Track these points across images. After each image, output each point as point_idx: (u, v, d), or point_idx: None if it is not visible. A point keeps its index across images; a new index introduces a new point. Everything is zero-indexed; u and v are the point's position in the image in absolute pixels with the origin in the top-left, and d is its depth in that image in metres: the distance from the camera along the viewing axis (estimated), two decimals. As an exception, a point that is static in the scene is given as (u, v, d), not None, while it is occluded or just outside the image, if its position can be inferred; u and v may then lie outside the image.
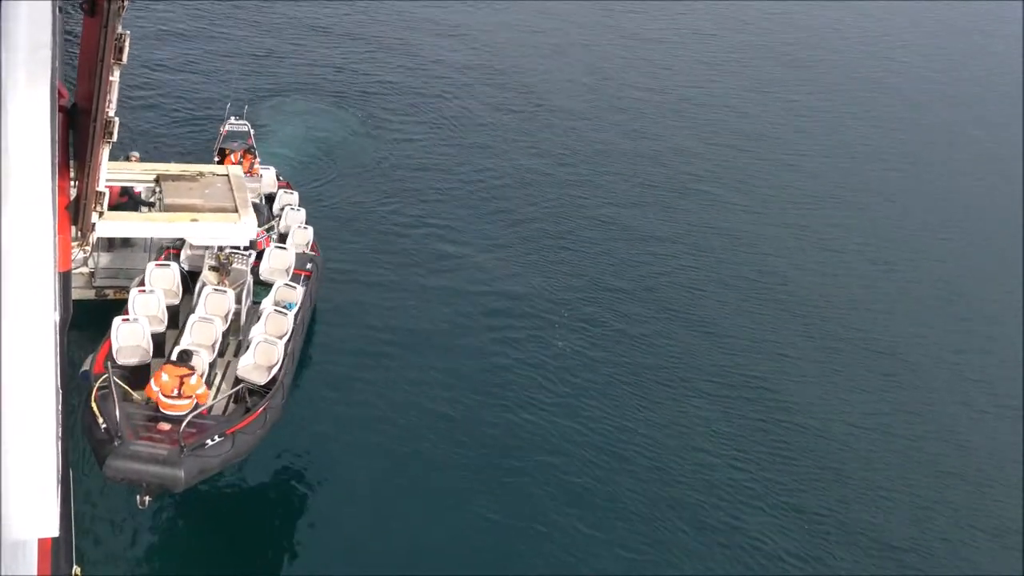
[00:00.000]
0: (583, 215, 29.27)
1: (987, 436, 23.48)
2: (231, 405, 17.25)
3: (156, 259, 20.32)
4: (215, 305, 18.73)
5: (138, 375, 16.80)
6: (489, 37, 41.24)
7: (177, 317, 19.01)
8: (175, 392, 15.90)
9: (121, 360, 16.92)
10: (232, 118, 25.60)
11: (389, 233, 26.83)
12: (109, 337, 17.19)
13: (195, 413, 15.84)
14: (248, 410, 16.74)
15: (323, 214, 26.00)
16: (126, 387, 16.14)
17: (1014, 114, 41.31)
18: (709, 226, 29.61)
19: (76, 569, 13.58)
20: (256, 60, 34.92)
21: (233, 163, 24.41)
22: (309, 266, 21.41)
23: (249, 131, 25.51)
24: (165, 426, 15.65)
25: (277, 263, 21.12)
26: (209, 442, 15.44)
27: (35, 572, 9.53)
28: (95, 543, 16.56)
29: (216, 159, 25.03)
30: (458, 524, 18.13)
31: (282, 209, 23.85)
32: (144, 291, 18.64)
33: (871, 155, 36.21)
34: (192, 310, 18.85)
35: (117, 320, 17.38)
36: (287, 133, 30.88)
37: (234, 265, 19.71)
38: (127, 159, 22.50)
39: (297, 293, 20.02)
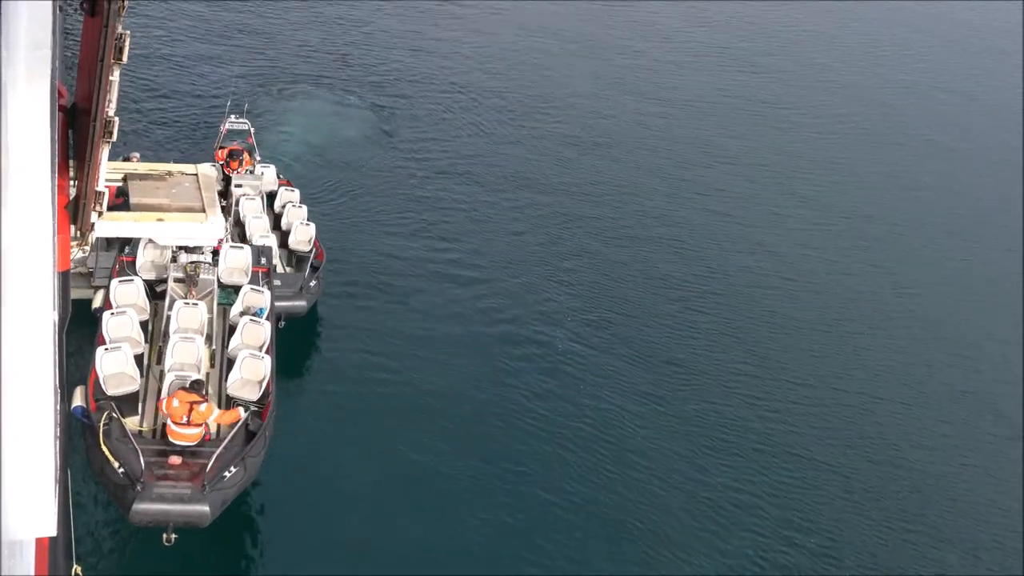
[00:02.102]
0: (591, 222, 29.02)
1: (989, 443, 23.48)
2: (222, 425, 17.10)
3: (112, 270, 19.63)
4: (188, 319, 18.25)
5: (127, 403, 16.57)
6: (505, 36, 41.16)
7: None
8: (184, 419, 15.88)
9: (110, 391, 16.54)
10: (232, 116, 25.60)
11: (392, 232, 26.80)
12: (94, 367, 16.74)
13: (217, 452, 15.76)
14: (252, 432, 16.67)
15: (325, 212, 25.99)
16: (123, 419, 16.03)
17: (1014, 116, 41.32)
18: (718, 238, 29.38)
19: (77, 568, 13.57)
20: (258, 58, 34.92)
21: (220, 160, 24.42)
22: (263, 260, 20.93)
23: (249, 129, 25.53)
24: (176, 459, 15.69)
25: (235, 263, 20.51)
26: (227, 474, 15.64)
27: (33, 572, 9.51)
28: (96, 542, 16.57)
29: (216, 158, 25.07)
30: (460, 528, 18.11)
31: (283, 206, 23.88)
32: (115, 312, 18.00)
33: (887, 175, 36.10)
34: (164, 326, 18.48)
35: (100, 350, 16.92)
36: (290, 130, 30.89)
37: (201, 275, 19.14)
38: (127, 159, 22.49)
39: (265, 297, 19.63)
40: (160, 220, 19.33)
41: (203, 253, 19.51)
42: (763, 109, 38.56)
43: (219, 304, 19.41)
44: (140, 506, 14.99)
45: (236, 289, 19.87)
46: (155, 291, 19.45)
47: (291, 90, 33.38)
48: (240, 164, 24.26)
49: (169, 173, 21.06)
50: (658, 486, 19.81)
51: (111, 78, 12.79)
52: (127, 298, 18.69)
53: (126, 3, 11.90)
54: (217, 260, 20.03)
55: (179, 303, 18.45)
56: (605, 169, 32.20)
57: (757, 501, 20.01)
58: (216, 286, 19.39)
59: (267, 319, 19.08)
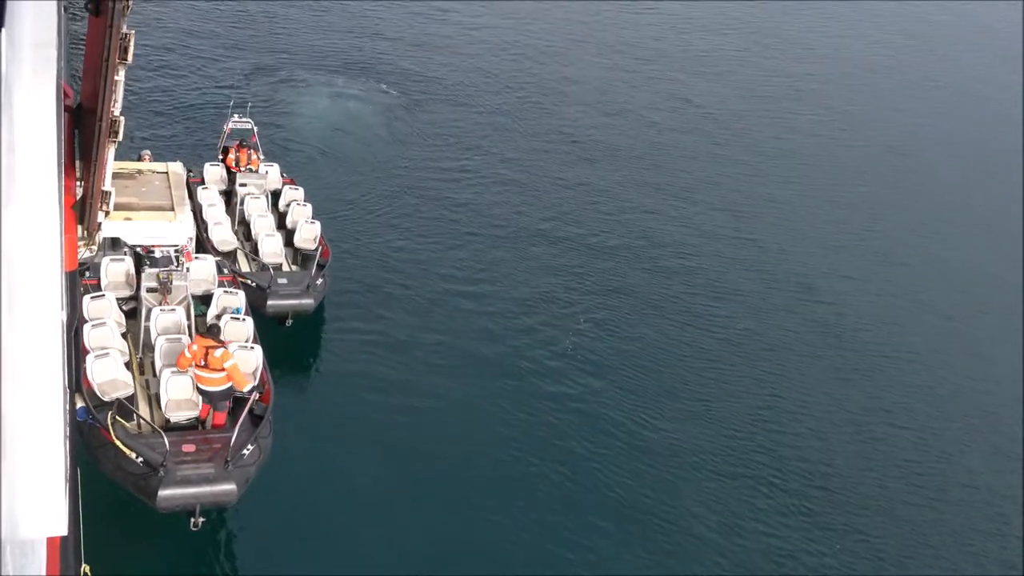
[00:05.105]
0: (605, 228, 28.73)
1: (989, 440, 23.43)
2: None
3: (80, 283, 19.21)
4: (166, 325, 18.21)
5: (123, 408, 16.51)
6: (521, 35, 41.04)
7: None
8: (202, 363, 16.43)
9: (106, 397, 16.50)
10: (235, 116, 25.60)
11: (399, 230, 26.75)
12: (85, 376, 16.58)
13: (236, 430, 16.06)
14: (258, 416, 16.86)
15: (330, 210, 25.93)
16: (124, 421, 16.06)
17: (1014, 117, 41.20)
18: (730, 236, 29.26)
19: (85, 568, 13.58)
20: (262, 56, 34.90)
21: (233, 157, 24.48)
22: (225, 270, 20.91)
23: (252, 128, 25.52)
24: (190, 447, 15.83)
25: (201, 274, 20.33)
26: (245, 452, 15.83)
27: (44, 571, 9.51)
28: (104, 541, 16.55)
29: (220, 157, 25.09)
30: (465, 527, 18.09)
31: (288, 205, 23.88)
32: (94, 324, 17.73)
33: (896, 167, 36.05)
34: (144, 336, 18.43)
35: (90, 357, 16.83)
36: (293, 128, 30.87)
37: (174, 282, 19.01)
38: (139, 158, 22.54)
39: (240, 298, 19.59)
40: (128, 219, 19.33)
41: (171, 263, 19.32)
42: (783, 117, 38.30)
43: (195, 315, 19.29)
44: (166, 491, 15.04)
45: (204, 299, 19.75)
46: (121, 309, 19.16)
47: (294, 88, 33.36)
48: (249, 158, 24.34)
49: (139, 172, 21.05)
50: (669, 490, 19.69)
51: (116, 78, 12.80)
52: (101, 313, 18.33)
53: (130, 3, 11.90)
54: (181, 263, 19.73)
55: (156, 310, 18.33)
56: (623, 174, 31.95)
57: (764, 491, 20.00)
58: (190, 294, 19.28)
59: (245, 316, 19.11)
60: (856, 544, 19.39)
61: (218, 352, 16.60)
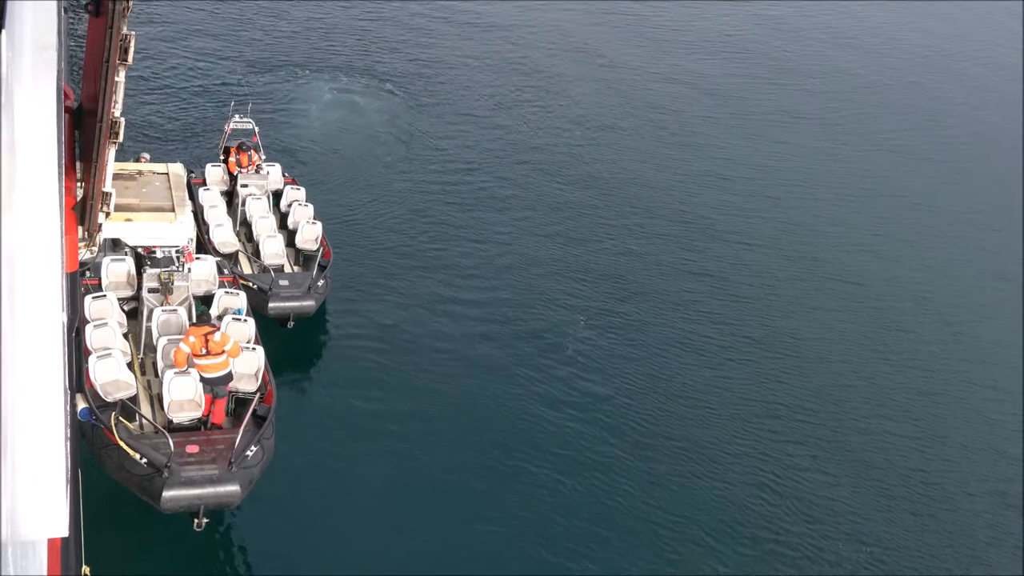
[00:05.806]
0: (611, 228, 28.57)
1: (990, 436, 23.41)
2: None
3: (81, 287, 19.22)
4: (168, 325, 18.18)
5: (126, 408, 16.51)
6: (527, 34, 40.91)
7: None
8: (203, 351, 16.48)
9: (110, 398, 16.48)
10: (236, 116, 25.60)
11: (401, 230, 26.67)
12: (88, 376, 16.51)
13: (240, 431, 16.15)
14: (261, 417, 16.90)
15: (332, 210, 25.91)
16: (127, 422, 16.08)
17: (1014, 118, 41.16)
18: (734, 241, 29.09)
19: (86, 569, 13.59)
20: (262, 56, 34.87)
21: (233, 160, 24.48)
22: (226, 271, 20.92)
23: (254, 128, 25.51)
24: (194, 447, 15.85)
25: (202, 275, 20.27)
26: (249, 453, 15.84)
27: (45, 572, 9.51)
28: (105, 542, 16.56)
29: (221, 158, 25.09)
30: (467, 529, 18.04)
31: (289, 205, 23.88)
32: (96, 324, 17.65)
33: (909, 161, 36.03)
34: (146, 336, 18.42)
35: (92, 359, 16.77)
36: (295, 128, 30.85)
37: (176, 283, 18.99)
38: (137, 159, 22.54)
39: (241, 299, 19.60)
40: (129, 220, 19.36)
41: (172, 263, 19.31)
42: (785, 121, 38.12)
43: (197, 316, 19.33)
44: (170, 492, 15.05)
45: (205, 300, 19.75)
46: (123, 310, 19.14)
47: (296, 87, 33.33)
48: (250, 160, 24.34)
49: (140, 172, 21.08)
50: (670, 495, 19.61)
51: (117, 79, 12.80)
52: (102, 314, 18.25)
53: (130, 4, 11.91)
54: (182, 263, 19.70)
55: (158, 311, 18.33)
56: (628, 177, 31.67)
57: (765, 490, 19.99)
58: (191, 294, 19.27)
59: (246, 317, 19.12)
60: (858, 547, 19.36)
61: (217, 336, 16.70)
